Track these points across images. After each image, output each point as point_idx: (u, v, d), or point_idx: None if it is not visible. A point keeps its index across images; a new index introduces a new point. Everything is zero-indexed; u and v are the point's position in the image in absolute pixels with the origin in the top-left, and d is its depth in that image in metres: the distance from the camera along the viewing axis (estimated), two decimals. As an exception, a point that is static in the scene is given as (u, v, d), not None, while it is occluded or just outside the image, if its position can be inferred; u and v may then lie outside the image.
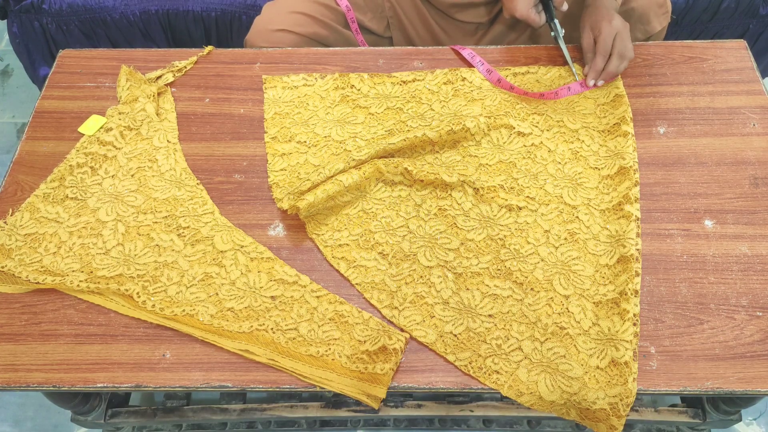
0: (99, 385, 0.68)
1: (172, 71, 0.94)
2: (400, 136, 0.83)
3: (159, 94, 0.91)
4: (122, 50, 0.98)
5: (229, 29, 1.30)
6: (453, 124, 0.84)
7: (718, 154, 0.84)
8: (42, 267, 0.75)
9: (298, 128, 0.88)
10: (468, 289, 0.73)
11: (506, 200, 0.78)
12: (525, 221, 0.77)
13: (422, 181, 0.80)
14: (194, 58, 0.96)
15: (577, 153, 0.84)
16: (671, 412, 0.98)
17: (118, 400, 1.01)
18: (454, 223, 0.77)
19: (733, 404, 0.93)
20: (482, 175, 0.81)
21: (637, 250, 0.73)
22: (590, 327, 0.70)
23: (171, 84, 0.93)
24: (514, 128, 0.85)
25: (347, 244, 0.77)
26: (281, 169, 0.84)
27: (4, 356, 0.70)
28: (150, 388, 0.68)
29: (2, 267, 0.75)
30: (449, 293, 0.72)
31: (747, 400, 0.92)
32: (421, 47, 0.98)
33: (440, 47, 0.98)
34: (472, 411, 0.95)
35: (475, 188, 0.79)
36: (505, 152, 0.83)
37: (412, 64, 0.95)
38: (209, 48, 0.97)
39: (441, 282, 0.73)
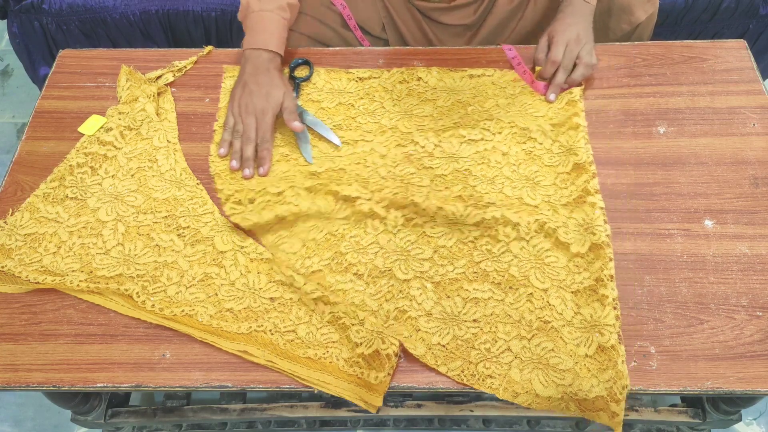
0: (99, 385, 0.68)
1: (172, 71, 0.94)
2: (349, 150, 0.84)
3: (159, 94, 0.91)
4: (122, 50, 0.98)
5: (229, 29, 1.30)
6: (401, 139, 0.85)
7: (718, 154, 0.84)
8: (42, 267, 0.75)
9: None
10: (449, 296, 0.72)
11: (468, 203, 0.78)
12: (493, 217, 0.76)
13: (381, 191, 0.79)
14: (194, 58, 0.96)
15: (531, 153, 0.83)
16: (671, 412, 0.98)
17: (118, 400, 1.01)
18: (423, 232, 0.77)
19: (733, 404, 0.93)
20: (439, 190, 0.80)
21: (607, 236, 0.74)
22: (573, 317, 0.70)
23: (171, 84, 0.93)
24: (465, 137, 0.85)
25: (320, 270, 0.75)
26: (224, 159, 0.85)
27: (4, 356, 0.70)
28: (150, 388, 0.68)
29: (2, 267, 0.75)
30: (431, 304, 0.72)
31: (747, 400, 0.92)
32: (420, 47, 0.98)
33: (439, 47, 0.98)
34: (472, 411, 0.95)
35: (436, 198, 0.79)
36: (459, 160, 0.83)
37: (411, 63, 0.95)
38: (209, 48, 0.97)
39: (421, 294, 0.72)
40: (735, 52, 0.94)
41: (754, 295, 0.72)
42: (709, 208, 0.79)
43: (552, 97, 0.88)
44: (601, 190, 0.81)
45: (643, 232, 0.77)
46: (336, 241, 0.77)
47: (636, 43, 0.97)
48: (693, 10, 1.30)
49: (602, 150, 0.85)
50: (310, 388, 0.68)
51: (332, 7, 1.04)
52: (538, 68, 0.91)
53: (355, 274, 0.74)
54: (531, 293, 0.72)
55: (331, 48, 0.99)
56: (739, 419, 0.96)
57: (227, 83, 0.93)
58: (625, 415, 0.95)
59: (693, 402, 0.99)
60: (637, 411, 0.97)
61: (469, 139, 0.85)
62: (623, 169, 0.83)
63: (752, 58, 0.94)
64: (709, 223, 0.78)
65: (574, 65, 0.89)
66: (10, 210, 0.80)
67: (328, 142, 0.85)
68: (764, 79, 1.35)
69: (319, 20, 1.03)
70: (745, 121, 0.87)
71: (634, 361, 0.68)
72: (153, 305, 0.72)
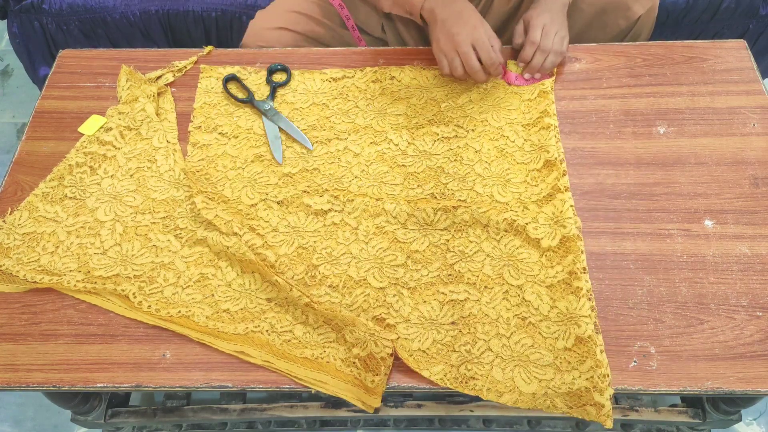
0: (99, 385, 0.68)
1: (172, 71, 0.94)
2: (323, 149, 0.84)
3: (159, 94, 0.91)
4: (122, 50, 0.98)
5: (229, 29, 1.30)
6: (375, 137, 0.85)
7: (718, 154, 0.84)
8: (39, 266, 0.75)
9: (223, 119, 0.89)
10: (425, 301, 0.72)
11: (439, 203, 0.78)
12: (462, 219, 0.76)
13: (352, 201, 0.79)
14: (194, 58, 0.96)
15: (503, 150, 0.84)
16: (671, 412, 0.98)
17: (118, 400, 1.01)
18: (395, 238, 0.76)
19: (733, 404, 0.93)
20: (411, 188, 0.80)
21: (578, 227, 0.74)
22: (549, 311, 0.70)
23: (171, 84, 0.93)
24: (438, 135, 0.86)
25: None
26: (200, 160, 0.85)
27: (4, 356, 0.70)
28: (150, 388, 0.68)
29: (0, 266, 0.75)
30: (408, 310, 0.71)
31: (747, 400, 0.92)
32: (420, 47, 0.98)
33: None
34: (472, 411, 0.95)
35: (407, 200, 0.79)
36: (432, 158, 0.83)
37: (411, 63, 0.95)
38: (209, 48, 0.97)
39: (397, 301, 0.72)
40: (735, 52, 0.94)
41: (754, 295, 0.72)
42: (709, 208, 0.79)
43: (527, 75, 0.90)
44: (602, 190, 0.81)
45: (643, 232, 0.77)
46: (307, 254, 0.76)
47: (636, 43, 0.97)
48: (693, 10, 1.30)
49: (602, 150, 0.85)
50: (308, 388, 0.68)
51: (330, 7, 1.04)
52: (510, 62, 0.93)
53: (329, 286, 0.73)
54: (506, 291, 0.72)
55: (331, 48, 0.99)
56: (739, 419, 0.96)
57: (203, 83, 0.93)
58: (624, 415, 0.96)
59: (693, 402, 0.99)
60: (637, 411, 0.97)
61: (442, 137, 0.85)
62: (623, 169, 0.83)
63: (752, 58, 0.94)
64: (709, 223, 0.78)
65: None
66: (9, 209, 0.80)
67: (302, 144, 0.86)
68: (764, 79, 1.35)
69: (317, 20, 1.03)
70: (745, 121, 0.87)
71: (634, 361, 0.68)
72: (149, 306, 0.72)
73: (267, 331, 0.70)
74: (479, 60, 0.86)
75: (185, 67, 0.95)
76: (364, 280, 0.74)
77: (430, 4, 0.88)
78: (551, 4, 0.92)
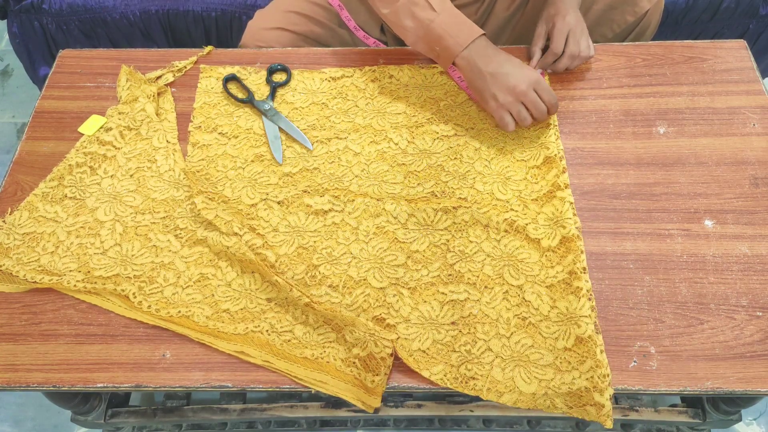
0: (99, 385, 0.68)
1: (172, 71, 0.94)
2: (323, 148, 0.84)
3: (159, 94, 0.91)
4: (122, 50, 0.98)
5: (229, 29, 1.31)
6: (375, 136, 0.85)
7: (718, 154, 0.84)
8: (39, 266, 0.75)
9: (223, 119, 0.89)
10: (425, 301, 0.72)
11: (440, 203, 0.78)
12: (463, 219, 0.76)
13: (353, 201, 0.79)
14: (194, 58, 0.96)
15: (503, 148, 0.84)
16: (671, 412, 0.98)
17: (118, 400, 1.01)
18: (395, 238, 0.76)
19: (733, 404, 0.93)
20: (412, 187, 0.81)
21: (577, 228, 0.74)
22: (549, 311, 0.70)
23: (171, 84, 0.93)
24: (438, 133, 0.86)
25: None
26: (200, 160, 0.85)
27: (4, 356, 0.70)
28: (150, 388, 0.68)
29: (0, 266, 0.75)
30: (408, 310, 0.71)
31: (747, 400, 0.92)
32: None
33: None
34: (472, 411, 0.95)
35: (407, 200, 0.79)
36: (432, 156, 0.84)
37: (411, 63, 0.95)
38: (209, 48, 0.97)
39: (398, 301, 0.72)
40: (735, 52, 0.94)
41: (754, 295, 0.72)
42: (709, 208, 0.79)
43: (549, 70, 0.91)
44: (602, 190, 0.81)
45: (643, 232, 0.77)
46: (308, 254, 0.76)
47: (636, 43, 0.97)
48: (693, 10, 1.30)
49: (602, 150, 0.85)
50: (308, 388, 0.68)
51: (329, 7, 1.04)
52: None
53: (329, 286, 0.73)
54: (506, 291, 0.72)
55: (331, 48, 0.99)
56: (739, 419, 0.96)
57: (203, 83, 0.93)
58: (624, 415, 0.96)
59: (693, 402, 0.99)
60: (637, 411, 0.97)
61: (442, 135, 0.86)
62: (623, 169, 0.83)
63: (752, 58, 0.94)
64: (709, 223, 0.78)
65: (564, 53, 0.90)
66: (9, 209, 0.80)
67: (302, 144, 0.86)
68: (764, 78, 1.35)
69: (316, 20, 1.03)
70: (745, 121, 0.87)
71: (634, 361, 0.68)
72: (149, 306, 0.72)
73: (267, 331, 0.70)
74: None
75: (185, 67, 0.95)
76: (364, 280, 0.74)
77: (470, 54, 0.82)
78: (570, 1, 0.91)
